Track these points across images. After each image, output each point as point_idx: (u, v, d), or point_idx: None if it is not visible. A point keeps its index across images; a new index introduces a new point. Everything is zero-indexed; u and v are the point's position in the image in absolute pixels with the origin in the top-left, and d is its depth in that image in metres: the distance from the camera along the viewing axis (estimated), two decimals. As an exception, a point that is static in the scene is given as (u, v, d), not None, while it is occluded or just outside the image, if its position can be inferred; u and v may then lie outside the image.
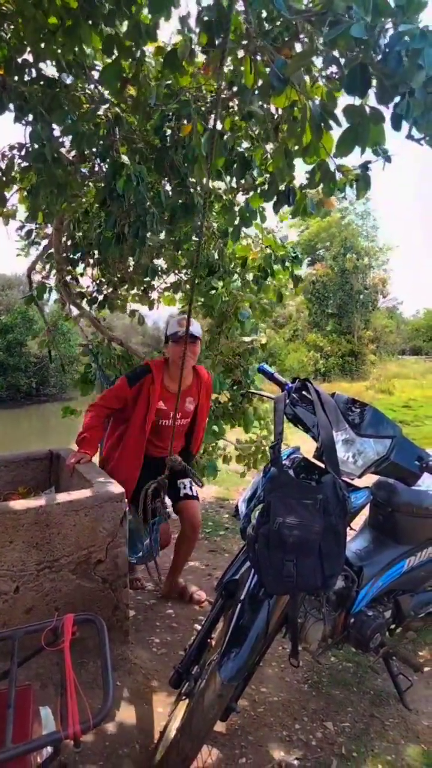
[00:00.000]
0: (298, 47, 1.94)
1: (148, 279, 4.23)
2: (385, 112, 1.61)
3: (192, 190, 2.83)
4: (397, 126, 1.58)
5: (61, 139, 2.68)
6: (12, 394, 19.92)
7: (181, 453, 2.73)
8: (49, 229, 4.23)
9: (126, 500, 2.23)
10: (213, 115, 2.15)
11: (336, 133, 1.84)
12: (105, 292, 4.44)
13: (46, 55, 2.32)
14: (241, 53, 2.19)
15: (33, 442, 12.70)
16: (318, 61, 1.94)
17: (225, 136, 2.72)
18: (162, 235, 3.64)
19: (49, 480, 2.99)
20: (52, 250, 4.18)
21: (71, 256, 4.22)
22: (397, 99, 1.56)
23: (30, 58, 2.39)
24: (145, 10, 2.07)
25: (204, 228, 3.38)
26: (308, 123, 1.97)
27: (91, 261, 4.30)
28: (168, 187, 3.01)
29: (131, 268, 4.19)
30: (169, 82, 2.54)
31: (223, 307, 3.94)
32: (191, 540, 2.73)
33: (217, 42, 1.92)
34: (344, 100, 1.78)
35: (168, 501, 2.58)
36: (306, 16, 1.72)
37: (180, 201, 2.86)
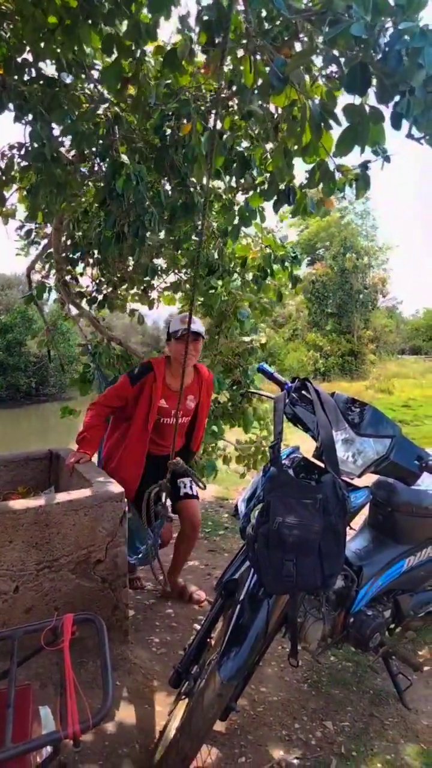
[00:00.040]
0: (298, 46, 1.93)
1: (147, 278, 4.22)
2: (384, 111, 1.62)
3: (192, 189, 2.83)
4: (397, 125, 1.58)
5: (60, 139, 2.68)
6: (11, 394, 19.91)
7: (182, 451, 2.73)
8: (49, 229, 4.23)
9: (126, 500, 2.23)
10: (213, 115, 2.15)
11: (336, 132, 1.85)
12: (104, 292, 4.43)
13: (45, 55, 2.32)
14: (240, 52, 2.18)
15: (32, 441, 12.71)
16: (318, 60, 1.94)
17: (225, 136, 2.71)
18: (162, 235, 3.64)
19: (48, 480, 2.99)
20: (52, 249, 4.17)
21: (71, 255, 4.22)
22: (397, 98, 1.56)
23: (30, 57, 2.39)
24: (145, 10, 2.06)
25: (204, 227, 3.38)
26: (308, 122, 1.97)
27: (91, 260, 4.29)
28: (168, 187, 3.01)
29: (131, 268, 4.18)
30: (169, 81, 2.54)
31: (223, 307, 3.93)
32: (191, 539, 2.73)
33: (216, 41, 1.92)
34: (344, 99, 1.79)
35: (168, 501, 2.57)
36: (306, 15, 1.72)
37: (180, 200, 2.86)
